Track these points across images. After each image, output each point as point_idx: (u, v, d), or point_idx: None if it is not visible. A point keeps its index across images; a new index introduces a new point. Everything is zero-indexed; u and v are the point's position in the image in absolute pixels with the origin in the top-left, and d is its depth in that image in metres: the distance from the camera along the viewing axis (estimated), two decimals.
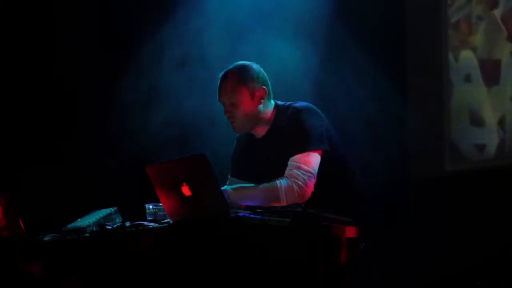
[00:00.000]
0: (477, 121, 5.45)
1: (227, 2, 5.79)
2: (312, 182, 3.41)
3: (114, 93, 5.89)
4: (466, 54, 5.56)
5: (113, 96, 5.89)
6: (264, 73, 3.70)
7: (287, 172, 3.43)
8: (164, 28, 5.95)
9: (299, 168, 3.41)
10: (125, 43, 5.96)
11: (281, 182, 3.40)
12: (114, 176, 5.68)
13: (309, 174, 3.41)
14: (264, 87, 3.64)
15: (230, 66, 3.70)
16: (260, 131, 3.67)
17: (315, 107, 3.61)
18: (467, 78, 5.54)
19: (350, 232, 3.22)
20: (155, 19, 5.99)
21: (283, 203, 3.37)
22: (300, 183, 3.39)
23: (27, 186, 5.27)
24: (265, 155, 3.60)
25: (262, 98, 3.62)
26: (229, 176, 3.77)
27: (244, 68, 3.67)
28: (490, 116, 5.38)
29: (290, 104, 3.64)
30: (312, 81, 5.69)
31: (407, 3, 5.82)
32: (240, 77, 3.62)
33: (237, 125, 3.64)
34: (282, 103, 3.68)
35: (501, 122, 5.32)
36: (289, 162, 3.45)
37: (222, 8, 5.79)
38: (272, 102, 3.68)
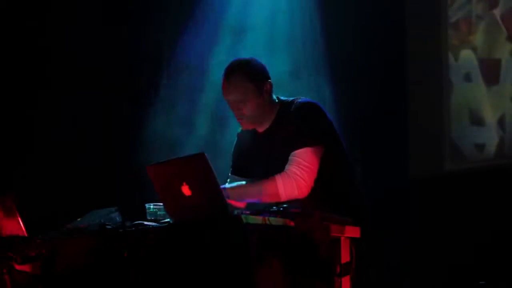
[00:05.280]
0: (477, 121, 5.45)
1: None
2: (311, 178, 3.35)
3: (114, 93, 5.89)
4: (466, 54, 5.56)
5: (113, 96, 5.89)
6: (266, 66, 3.57)
7: (286, 167, 3.38)
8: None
9: (298, 163, 3.36)
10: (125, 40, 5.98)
11: (279, 178, 3.35)
12: (114, 176, 5.68)
13: (309, 170, 3.35)
14: (269, 80, 3.54)
15: (232, 63, 3.55)
16: (263, 127, 3.58)
17: (318, 104, 3.53)
18: (467, 78, 5.54)
19: (350, 231, 3.21)
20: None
21: (282, 199, 3.32)
22: (299, 178, 3.34)
23: (27, 186, 5.27)
24: (267, 150, 3.54)
25: (269, 92, 3.52)
26: (229, 174, 3.69)
27: (247, 64, 3.54)
28: (490, 116, 5.38)
29: (294, 99, 3.54)
30: (312, 82, 5.70)
31: (407, 3, 5.82)
32: (245, 74, 3.49)
33: (247, 121, 3.52)
34: (285, 98, 3.59)
35: (501, 122, 5.33)
36: (289, 158, 3.40)
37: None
38: (274, 97, 3.58)
